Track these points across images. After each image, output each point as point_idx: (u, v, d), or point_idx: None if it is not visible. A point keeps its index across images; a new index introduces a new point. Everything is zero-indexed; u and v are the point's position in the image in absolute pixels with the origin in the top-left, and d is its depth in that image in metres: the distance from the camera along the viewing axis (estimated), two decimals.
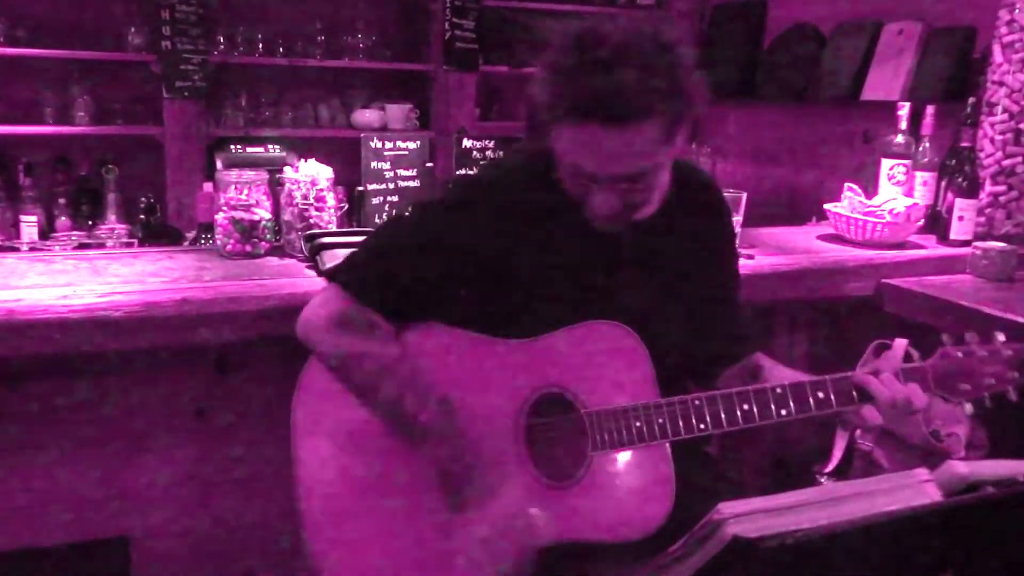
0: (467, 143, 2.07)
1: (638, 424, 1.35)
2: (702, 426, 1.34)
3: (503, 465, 1.36)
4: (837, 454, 2.05)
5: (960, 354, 1.37)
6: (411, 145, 2.04)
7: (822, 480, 2.08)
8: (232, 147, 3.79)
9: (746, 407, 1.34)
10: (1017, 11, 2.34)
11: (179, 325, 1.55)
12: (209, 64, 3.86)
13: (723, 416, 1.34)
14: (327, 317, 1.42)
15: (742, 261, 2.03)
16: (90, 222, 3.75)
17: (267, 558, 1.86)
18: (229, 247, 1.87)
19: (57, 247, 2.25)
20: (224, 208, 1.87)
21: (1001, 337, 1.39)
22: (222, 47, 4.01)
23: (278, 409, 1.82)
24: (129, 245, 2.58)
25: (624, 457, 1.36)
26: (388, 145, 2.01)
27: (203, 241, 2.08)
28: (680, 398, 1.35)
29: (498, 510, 1.33)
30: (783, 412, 1.34)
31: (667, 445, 1.36)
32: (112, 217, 3.70)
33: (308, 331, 1.44)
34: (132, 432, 1.70)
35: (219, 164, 3.74)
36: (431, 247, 1.43)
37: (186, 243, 2.93)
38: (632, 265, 1.46)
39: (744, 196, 2.14)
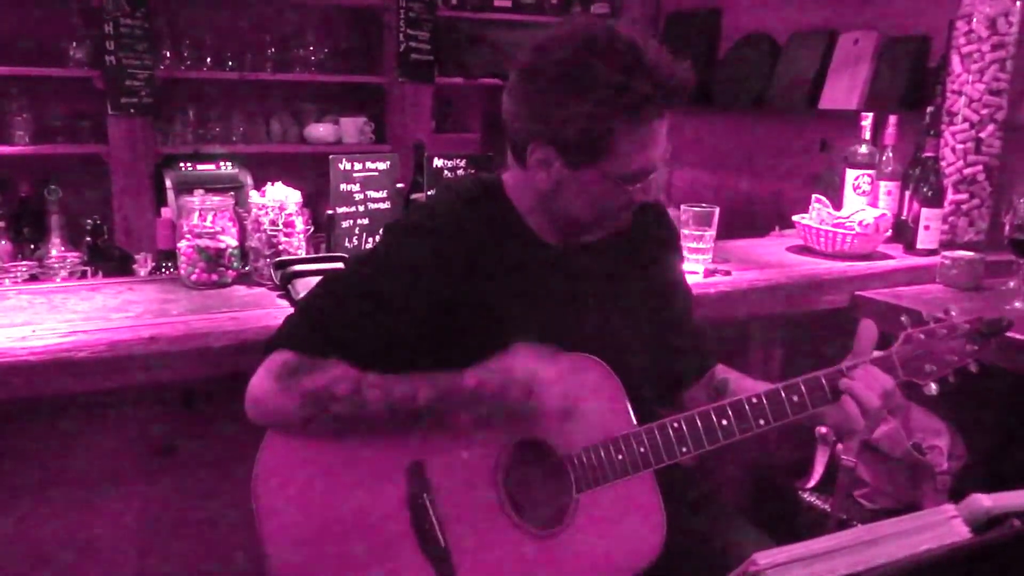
0: (438, 162, 2.01)
1: (620, 457, 1.31)
2: (684, 449, 1.32)
3: (487, 520, 1.30)
4: (819, 469, 2.05)
5: (922, 335, 1.38)
6: (381, 166, 1.98)
7: (804, 496, 2.08)
8: (182, 165, 3.67)
9: (725, 422, 1.32)
10: (975, 22, 2.38)
11: (147, 364, 1.46)
12: (155, 79, 3.73)
13: (703, 435, 1.32)
14: (272, 376, 1.28)
15: (720, 278, 2.02)
16: (32, 246, 3.59)
17: None
18: (194, 276, 1.78)
19: (7, 280, 2.13)
20: (188, 236, 1.79)
21: (955, 311, 1.40)
22: (168, 61, 3.88)
23: (248, 444, 1.75)
24: (83, 275, 2.46)
25: (611, 493, 1.32)
26: (357, 166, 1.94)
27: (163, 270, 2.00)
28: (659, 424, 1.32)
29: (491, 561, 1.28)
30: (761, 422, 1.32)
31: (652, 474, 1.33)
32: (56, 240, 3.54)
33: (258, 399, 1.29)
34: (96, 474, 1.61)
35: (168, 183, 3.61)
36: (374, 295, 1.31)
37: (136, 265, 2.83)
38: (589, 289, 1.43)
39: (716, 211, 2.13)
